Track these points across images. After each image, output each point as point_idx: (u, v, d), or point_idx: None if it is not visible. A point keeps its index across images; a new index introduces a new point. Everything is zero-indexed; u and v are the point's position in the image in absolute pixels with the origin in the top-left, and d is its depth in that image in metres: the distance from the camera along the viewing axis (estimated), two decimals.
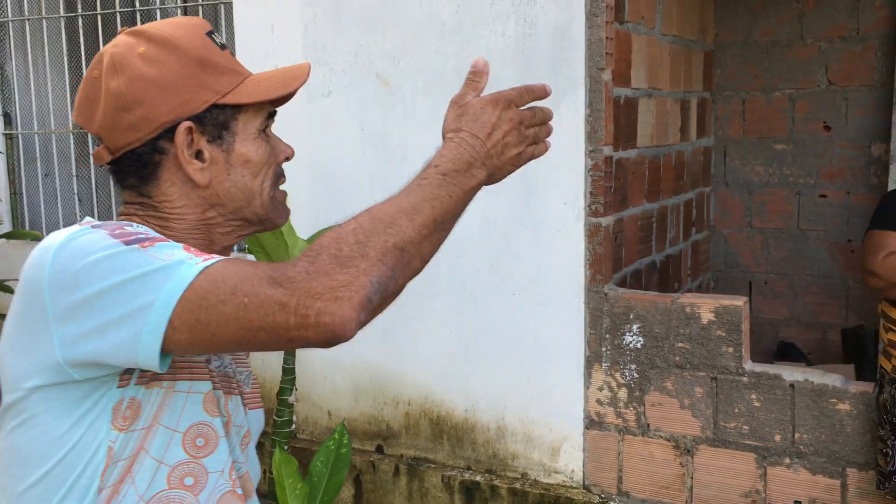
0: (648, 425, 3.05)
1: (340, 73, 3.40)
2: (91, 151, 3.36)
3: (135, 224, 1.12)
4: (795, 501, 2.87)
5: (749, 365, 2.88)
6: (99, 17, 4.18)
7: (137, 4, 4.10)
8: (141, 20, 4.11)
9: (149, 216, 1.17)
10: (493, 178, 1.14)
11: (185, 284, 0.98)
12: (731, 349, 2.88)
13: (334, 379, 3.61)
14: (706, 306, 2.90)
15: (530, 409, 3.23)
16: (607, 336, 3.06)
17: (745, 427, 2.89)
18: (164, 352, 1.00)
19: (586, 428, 3.15)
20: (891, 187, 3.91)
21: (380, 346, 3.45)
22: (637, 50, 3.30)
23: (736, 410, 2.90)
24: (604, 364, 3.08)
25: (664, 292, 3.41)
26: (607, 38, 2.92)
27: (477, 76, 1.15)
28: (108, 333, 1.00)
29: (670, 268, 3.88)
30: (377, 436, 3.55)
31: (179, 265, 1.00)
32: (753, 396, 2.87)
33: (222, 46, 1.17)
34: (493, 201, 3.09)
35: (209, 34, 1.16)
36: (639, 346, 3.01)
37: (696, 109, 4.09)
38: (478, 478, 3.31)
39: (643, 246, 3.53)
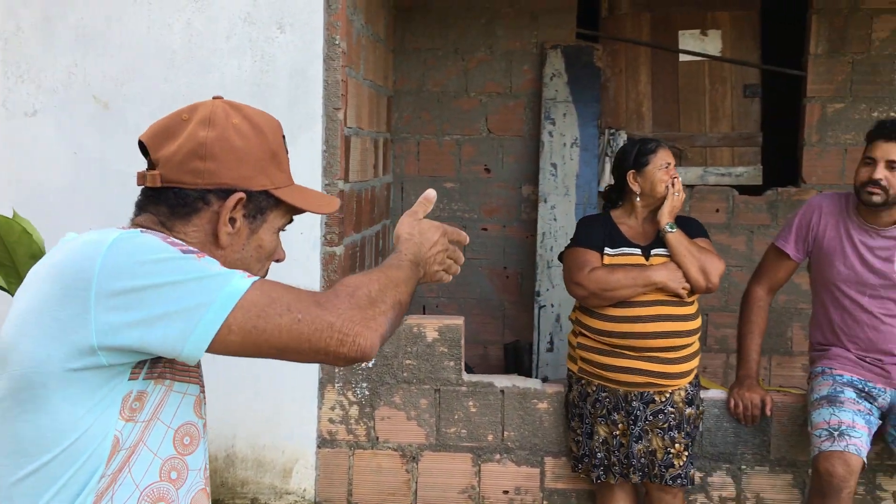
0: (378, 438, 3.30)
1: (50, 91, 3.18)
2: None
3: (177, 239, 1.23)
4: (504, 491, 3.32)
5: (467, 376, 3.28)
6: None
7: None
8: None
9: None
10: (422, 279, 1.43)
11: (240, 293, 1.14)
12: (452, 363, 3.26)
13: None
14: (431, 325, 3.25)
15: (262, 435, 3.29)
16: None
17: (464, 431, 3.28)
18: (210, 350, 1.14)
19: (318, 447, 3.30)
20: (539, 223, 4.66)
21: None
22: (350, 92, 3.58)
23: (456, 417, 3.28)
24: (337, 384, 3.28)
25: None
26: (343, 80, 3.16)
27: (428, 203, 1.47)
28: (157, 325, 1.11)
29: None
30: None
31: (233, 275, 1.16)
32: (471, 403, 3.27)
33: (287, 151, 1.35)
34: None
35: (283, 137, 1.37)
36: (370, 365, 3.26)
37: (383, 148, 4.48)
38: None
39: (351, 274, 3.79)
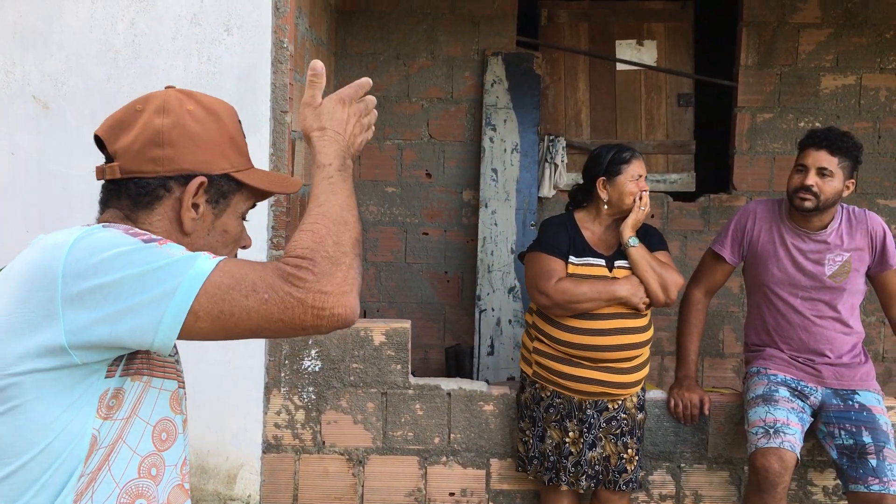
0: (324, 442, 3.29)
1: None
2: None
3: (139, 229, 1.21)
4: (450, 493, 3.35)
5: (413, 379, 3.30)
6: None
7: None
8: None
9: None
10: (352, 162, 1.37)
11: (204, 276, 1.12)
12: (399, 366, 3.27)
13: None
14: (378, 329, 3.26)
15: (206, 441, 3.25)
16: (286, 362, 3.24)
17: (410, 434, 3.30)
18: (181, 337, 1.12)
19: (264, 452, 3.27)
20: (480, 228, 4.71)
21: None
22: (295, 96, 3.56)
23: (402, 420, 3.29)
24: (282, 389, 3.26)
25: None
26: (290, 83, 3.15)
27: (318, 78, 1.33)
28: (125, 318, 1.10)
29: None
30: None
31: (196, 258, 1.14)
32: (417, 406, 3.29)
33: (244, 136, 1.34)
34: None
35: (239, 122, 1.34)
36: (317, 369, 3.25)
37: None
38: None
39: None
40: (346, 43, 4.74)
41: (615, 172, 2.98)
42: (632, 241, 2.97)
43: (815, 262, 3.09)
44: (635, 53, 4.89)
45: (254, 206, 1.38)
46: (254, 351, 3.22)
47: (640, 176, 2.99)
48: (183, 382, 1.33)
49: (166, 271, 1.11)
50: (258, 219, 3.17)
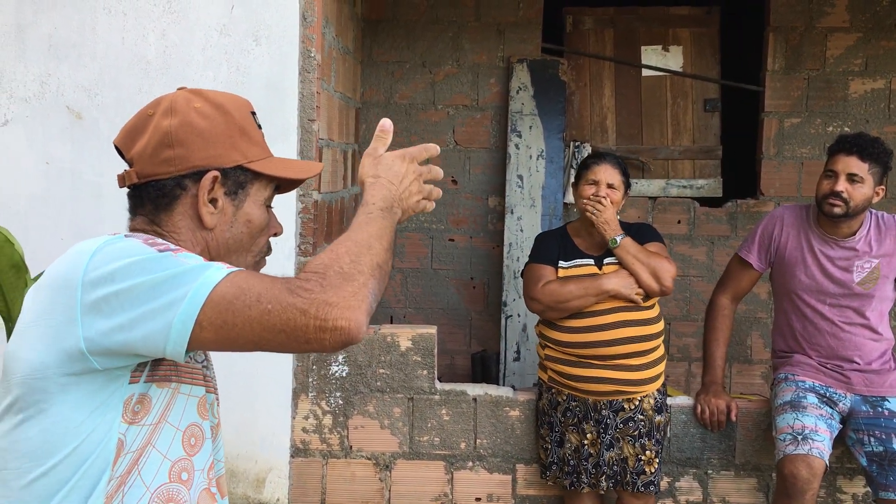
0: (351, 447, 3.32)
1: (21, 101, 3.16)
2: None
3: (159, 239, 1.24)
4: (476, 498, 3.36)
5: (440, 384, 3.32)
6: None
7: None
8: None
9: None
10: (402, 217, 1.37)
11: (212, 285, 1.13)
12: (425, 372, 3.29)
13: None
14: (404, 335, 3.28)
15: (235, 445, 3.29)
16: (314, 368, 3.28)
17: (437, 439, 3.32)
18: (189, 347, 1.14)
19: (292, 456, 3.31)
20: (506, 234, 4.72)
21: None
22: (322, 104, 3.61)
23: (429, 425, 3.31)
24: (310, 394, 3.29)
25: None
26: (317, 92, 3.19)
27: (385, 134, 1.38)
28: (138, 325, 1.12)
29: None
30: None
31: (207, 267, 1.15)
32: (444, 412, 3.31)
33: (259, 126, 1.35)
34: None
35: (252, 113, 1.34)
36: (344, 374, 3.28)
37: (351, 160, 4.51)
38: None
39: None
40: (373, 51, 4.78)
41: (578, 178, 3.10)
42: (611, 241, 3.01)
43: (843, 269, 3.06)
44: (661, 59, 4.88)
45: (276, 192, 1.37)
46: (282, 356, 3.25)
47: (596, 181, 3.02)
48: (213, 388, 1.35)
49: (178, 279, 1.13)
50: (285, 226, 3.20)
